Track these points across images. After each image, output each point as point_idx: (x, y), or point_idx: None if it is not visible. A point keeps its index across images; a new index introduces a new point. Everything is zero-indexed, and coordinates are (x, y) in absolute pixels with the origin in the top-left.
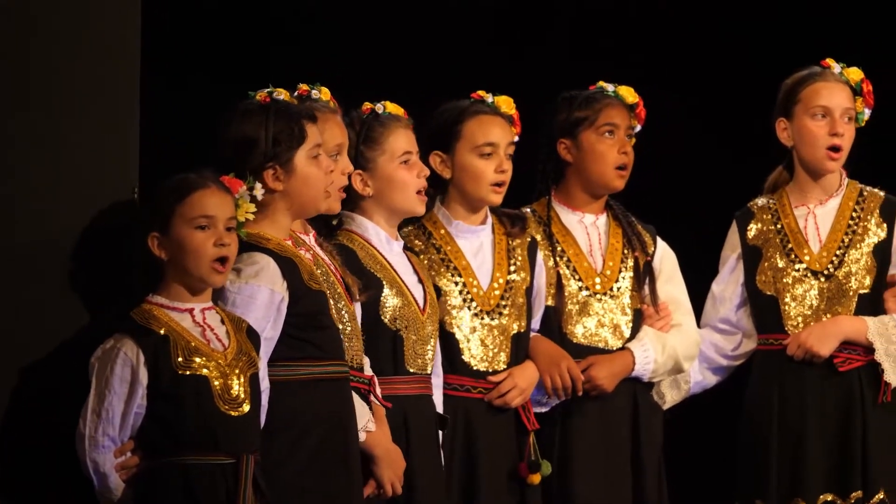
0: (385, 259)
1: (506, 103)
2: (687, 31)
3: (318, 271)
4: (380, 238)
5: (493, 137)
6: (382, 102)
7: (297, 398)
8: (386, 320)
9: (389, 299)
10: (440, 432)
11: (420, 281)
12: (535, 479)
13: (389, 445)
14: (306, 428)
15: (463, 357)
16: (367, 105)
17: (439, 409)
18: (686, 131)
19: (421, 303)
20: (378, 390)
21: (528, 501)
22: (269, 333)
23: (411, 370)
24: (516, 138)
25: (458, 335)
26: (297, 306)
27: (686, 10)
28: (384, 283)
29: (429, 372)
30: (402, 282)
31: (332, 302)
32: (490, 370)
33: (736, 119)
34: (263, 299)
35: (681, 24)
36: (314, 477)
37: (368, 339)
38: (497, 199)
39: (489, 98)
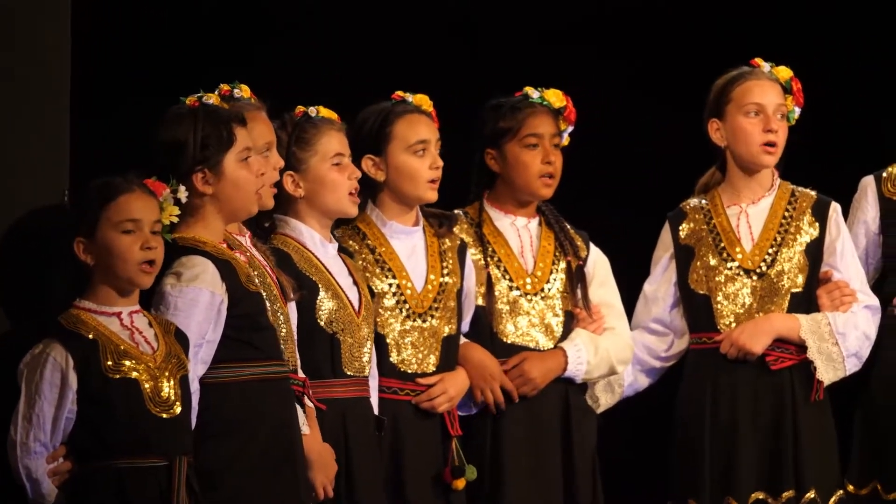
0: (319, 262)
1: (424, 101)
2: (620, 33)
3: (254, 273)
4: (314, 241)
5: (423, 135)
6: (316, 107)
7: (239, 400)
8: (322, 323)
9: (325, 302)
10: (378, 434)
11: (355, 283)
12: (460, 484)
13: (322, 448)
14: (252, 430)
15: (391, 359)
16: (300, 108)
17: (375, 410)
18: (619, 133)
19: (356, 305)
20: (310, 392)
21: None
22: (211, 336)
23: (349, 373)
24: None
25: (389, 337)
26: (236, 308)
27: (623, 14)
28: (319, 286)
29: (366, 374)
30: (338, 284)
31: (268, 304)
32: (419, 372)
33: (667, 120)
34: (205, 302)
35: (611, 26)
36: (262, 478)
37: (305, 343)
38: (434, 195)
39: (409, 97)
